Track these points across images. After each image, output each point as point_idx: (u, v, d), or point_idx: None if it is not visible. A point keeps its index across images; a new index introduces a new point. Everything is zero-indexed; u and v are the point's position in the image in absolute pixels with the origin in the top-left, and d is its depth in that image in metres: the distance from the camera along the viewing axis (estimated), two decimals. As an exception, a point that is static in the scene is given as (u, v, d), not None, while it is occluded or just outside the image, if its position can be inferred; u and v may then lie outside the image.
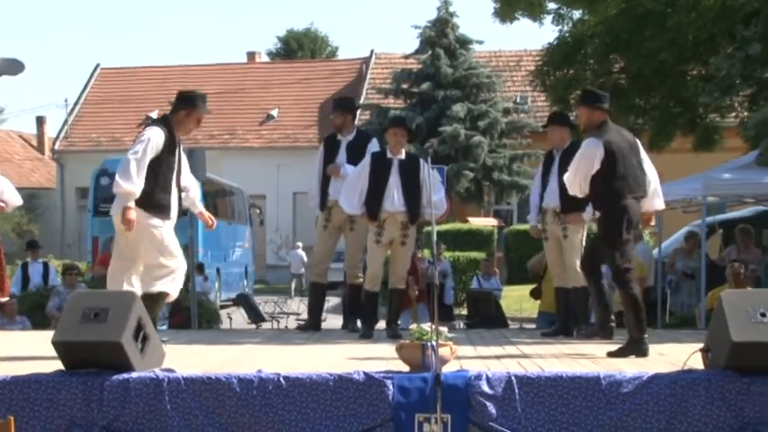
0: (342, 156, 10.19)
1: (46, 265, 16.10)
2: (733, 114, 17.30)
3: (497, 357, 7.80)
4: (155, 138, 7.98)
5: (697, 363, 6.44)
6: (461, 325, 14.53)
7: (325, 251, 10.40)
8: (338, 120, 10.35)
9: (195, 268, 15.78)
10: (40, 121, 46.19)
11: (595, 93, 8.79)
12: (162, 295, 8.12)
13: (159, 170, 8.02)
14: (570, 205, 9.67)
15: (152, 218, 8.02)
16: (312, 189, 10.48)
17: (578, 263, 9.80)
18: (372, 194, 9.53)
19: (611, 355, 7.71)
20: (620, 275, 8.03)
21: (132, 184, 7.88)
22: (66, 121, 40.47)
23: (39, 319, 13.86)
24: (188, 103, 8.20)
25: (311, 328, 10.35)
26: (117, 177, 7.98)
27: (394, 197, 9.50)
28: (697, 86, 16.34)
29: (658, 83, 16.66)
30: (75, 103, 41.10)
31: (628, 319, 8.05)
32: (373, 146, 10.13)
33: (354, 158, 10.03)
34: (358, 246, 10.15)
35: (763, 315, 6.14)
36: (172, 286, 8.15)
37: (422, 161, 9.57)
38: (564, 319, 10.03)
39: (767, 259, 13.27)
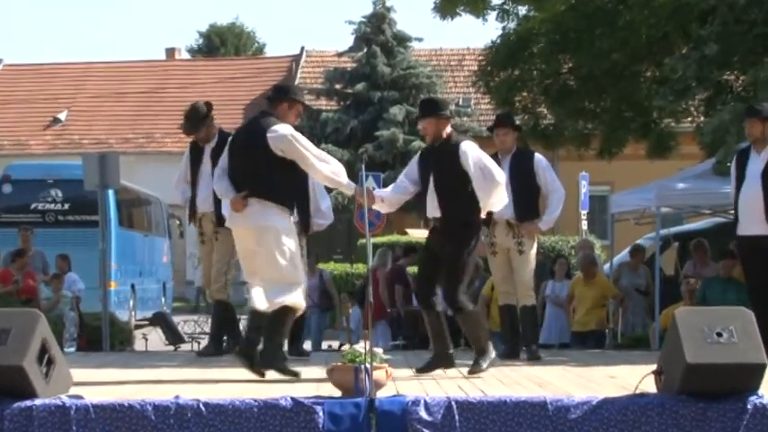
0: (207, 164, 10.27)
1: (-59, 281, 15.82)
2: (689, 119, 17.50)
3: (436, 381, 7.82)
4: (298, 133, 8.08)
5: (650, 386, 6.51)
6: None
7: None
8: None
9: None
10: (-64, 122, 45.48)
11: (437, 102, 8.97)
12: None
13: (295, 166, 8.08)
14: (526, 214, 9.77)
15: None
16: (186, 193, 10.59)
17: (531, 279, 9.93)
18: None
19: (419, 371, 8.29)
20: (461, 297, 8.38)
21: (339, 166, 8.06)
22: (-36, 123, 39.90)
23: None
24: (288, 94, 8.28)
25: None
26: (327, 174, 8.03)
27: None
28: (650, 89, 16.51)
29: (610, 85, 16.82)
30: (-25, 103, 40.55)
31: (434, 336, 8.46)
32: None
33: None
34: (221, 256, 10.23)
35: (719, 335, 6.21)
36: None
37: None
38: (512, 340, 10.08)
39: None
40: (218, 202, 9.90)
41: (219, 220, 10.05)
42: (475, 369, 8.22)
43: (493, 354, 8.37)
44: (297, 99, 8.29)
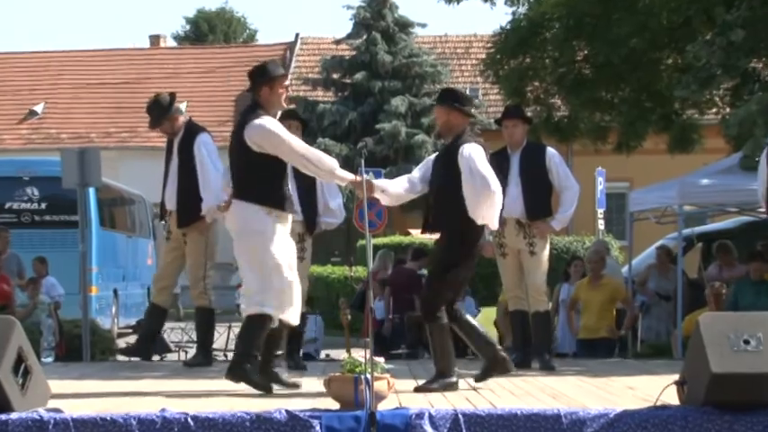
0: (174, 159, 10.33)
1: None
2: (713, 110, 17.52)
3: (442, 392, 7.82)
4: (277, 124, 7.94)
5: (672, 398, 6.51)
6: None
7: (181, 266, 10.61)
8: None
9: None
10: None
11: (456, 92, 8.74)
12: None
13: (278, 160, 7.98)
14: (537, 213, 9.76)
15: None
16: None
17: (544, 283, 9.92)
18: None
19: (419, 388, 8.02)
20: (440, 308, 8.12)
21: (329, 158, 7.95)
22: (-67, 116, 39.94)
23: None
24: (264, 76, 8.07)
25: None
26: (314, 161, 7.89)
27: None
28: (672, 78, 16.53)
29: (628, 73, 16.84)
30: (-55, 95, 40.59)
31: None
32: (203, 141, 10.15)
33: (183, 158, 10.16)
34: (194, 260, 10.28)
35: (746, 342, 6.20)
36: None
37: None
38: (524, 348, 10.08)
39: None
40: (180, 202, 9.93)
41: (180, 221, 10.06)
42: (423, 386, 8.02)
43: (453, 379, 8.09)
44: (274, 75, 8.05)
